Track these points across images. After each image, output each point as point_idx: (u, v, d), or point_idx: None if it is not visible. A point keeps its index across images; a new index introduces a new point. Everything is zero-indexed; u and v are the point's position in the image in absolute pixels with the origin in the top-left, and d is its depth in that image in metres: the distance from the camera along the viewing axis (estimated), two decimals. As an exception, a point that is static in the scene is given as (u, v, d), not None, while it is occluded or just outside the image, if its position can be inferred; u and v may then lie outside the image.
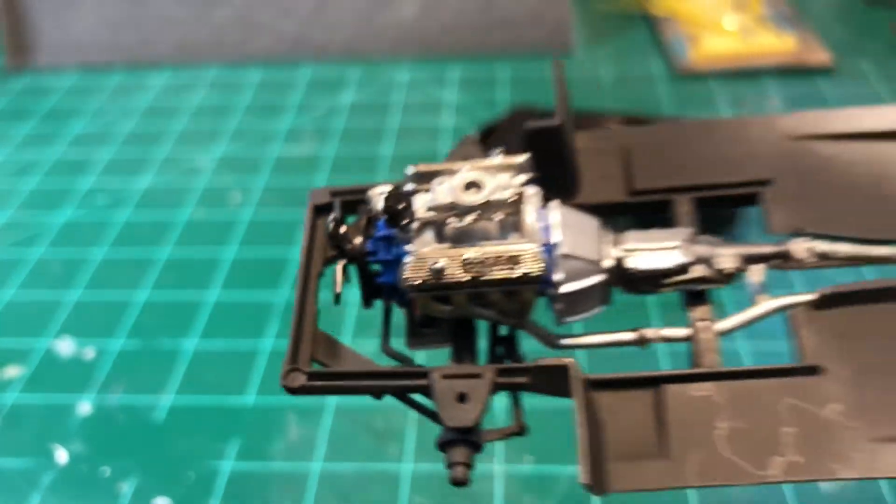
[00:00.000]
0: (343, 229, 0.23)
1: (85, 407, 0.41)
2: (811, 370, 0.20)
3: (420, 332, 0.23)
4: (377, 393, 0.22)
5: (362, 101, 0.66)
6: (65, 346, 0.45)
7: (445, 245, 0.21)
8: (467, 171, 0.22)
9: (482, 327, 0.24)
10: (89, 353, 0.44)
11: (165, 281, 0.49)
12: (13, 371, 0.43)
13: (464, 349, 0.23)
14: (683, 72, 0.66)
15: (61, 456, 0.38)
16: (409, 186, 0.23)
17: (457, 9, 0.71)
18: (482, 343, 0.24)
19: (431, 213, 0.22)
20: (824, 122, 0.24)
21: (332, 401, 0.40)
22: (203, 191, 0.57)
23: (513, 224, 0.22)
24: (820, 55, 0.65)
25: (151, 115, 0.66)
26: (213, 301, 0.47)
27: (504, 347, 0.24)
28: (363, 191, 0.23)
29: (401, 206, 0.22)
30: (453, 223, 0.22)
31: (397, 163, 0.58)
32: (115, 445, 0.39)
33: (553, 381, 0.21)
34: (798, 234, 0.22)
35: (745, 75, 0.65)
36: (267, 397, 0.41)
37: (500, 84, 0.67)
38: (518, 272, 0.21)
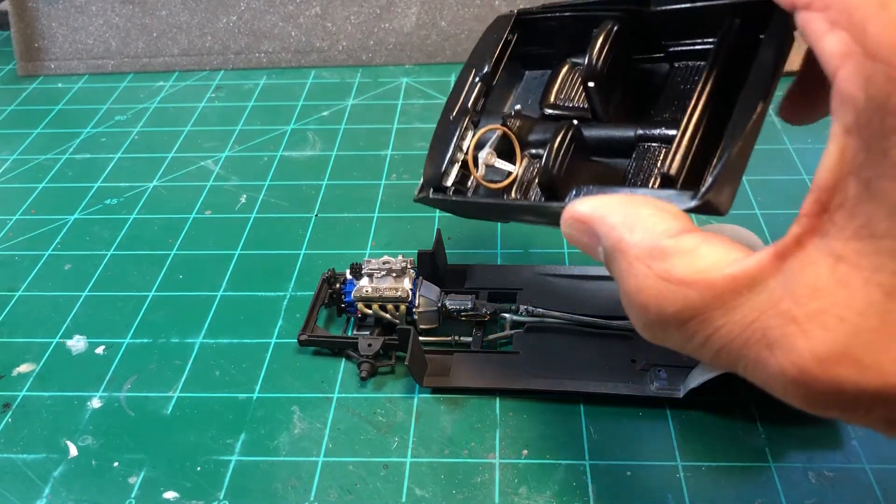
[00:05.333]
0: (337, 285, 0.44)
1: (95, 402, 0.42)
2: (517, 353, 0.41)
3: (360, 326, 0.45)
4: (337, 347, 0.43)
5: (363, 105, 0.67)
6: (75, 343, 0.46)
7: (371, 283, 0.43)
8: (385, 258, 0.44)
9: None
10: (99, 349, 0.45)
11: (173, 279, 0.50)
12: (25, 368, 0.44)
13: (375, 331, 0.44)
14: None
15: (72, 450, 0.39)
16: (364, 263, 0.44)
17: (455, 18, 0.72)
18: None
19: (367, 271, 0.43)
20: (553, 270, 0.46)
21: (334, 397, 0.41)
22: (209, 192, 0.58)
23: (400, 279, 0.43)
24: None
25: (159, 119, 0.67)
26: (219, 299, 0.48)
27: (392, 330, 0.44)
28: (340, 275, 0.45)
29: (355, 269, 0.44)
30: (375, 274, 0.43)
31: (397, 163, 0.59)
32: (124, 439, 0.40)
33: (403, 336, 0.40)
34: (527, 304, 0.43)
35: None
36: (272, 393, 0.42)
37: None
38: (397, 295, 0.42)
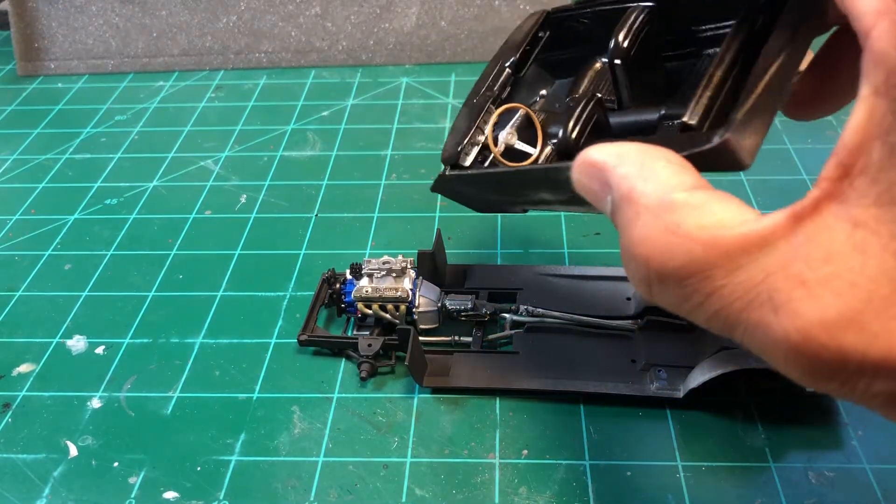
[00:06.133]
0: (337, 285, 0.45)
1: (95, 402, 0.42)
2: (517, 353, 0.42)
3: (360, 326, 0.45)
4: (337, 347, 0.44)
5: (363, 105, 0.67)
6: (75, 343, 0.46)
7: (371, 283, 0.43)
8: (385, 258, 0.44)
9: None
10: (99, 349, 0.45)
11: (173, 279, 0.50)
12: (25, 368, 0.44)
13: (375, 331, 0.44)
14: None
15: (72, 450, 0.39)
16: (364, 262, 0.44)
17: (455, 18, 0.72)
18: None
19: (367, 271, 0.44)
20: (553, 270, 0.46)
21: (334, 397, 0.41)
22: (209, 192, 0.58)
23: (400, 279, 0.43)
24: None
25: (159, 119, 0.67)
26: (219, 299, 0.48)
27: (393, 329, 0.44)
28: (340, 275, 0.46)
29: (355, 269, 0.44)
30: (375, 274, 0.44)
31: (397, 163, 0.59)
32: (124, 439, 0.40)
33: (403, 336, 0.40)
34: (527, 304, 0.43)
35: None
36: (272, 393, 0.42)
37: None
38: (397, 294, 0.43)
